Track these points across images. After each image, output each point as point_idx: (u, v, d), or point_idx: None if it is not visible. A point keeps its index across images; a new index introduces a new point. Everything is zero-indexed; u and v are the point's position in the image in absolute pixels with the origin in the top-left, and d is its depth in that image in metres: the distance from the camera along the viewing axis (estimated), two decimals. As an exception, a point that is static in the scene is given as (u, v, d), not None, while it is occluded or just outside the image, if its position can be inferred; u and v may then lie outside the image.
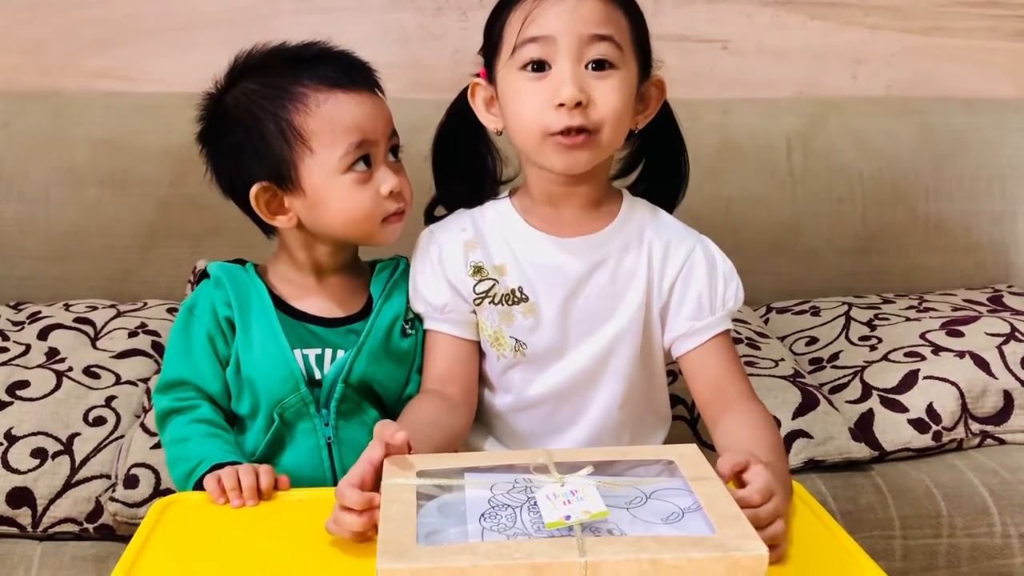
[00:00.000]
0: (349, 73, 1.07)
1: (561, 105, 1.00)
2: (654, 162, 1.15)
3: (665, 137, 1.14)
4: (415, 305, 1.11)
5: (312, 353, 1.07)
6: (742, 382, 1.07)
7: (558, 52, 1.00)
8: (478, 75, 1.10)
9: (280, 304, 1.09)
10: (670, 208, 1.15)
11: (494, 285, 1.08)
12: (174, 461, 1.04)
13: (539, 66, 1.01)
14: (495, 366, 1.10)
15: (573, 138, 1.01)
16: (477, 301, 1.08)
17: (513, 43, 1.02)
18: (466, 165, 1.14)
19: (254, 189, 1.07)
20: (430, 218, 1.17)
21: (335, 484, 1.03)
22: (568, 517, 0.74)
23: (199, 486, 0.98)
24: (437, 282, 1.09)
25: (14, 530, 1.21)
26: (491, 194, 1.15)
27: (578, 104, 0.99)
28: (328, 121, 1.04)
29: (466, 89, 1.11)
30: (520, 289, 1.07)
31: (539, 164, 1.06)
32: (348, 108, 1.05)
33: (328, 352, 1.08)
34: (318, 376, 1.07)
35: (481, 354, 1.12)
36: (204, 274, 1.12)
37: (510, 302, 1.07)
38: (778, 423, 1.30)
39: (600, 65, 1.01)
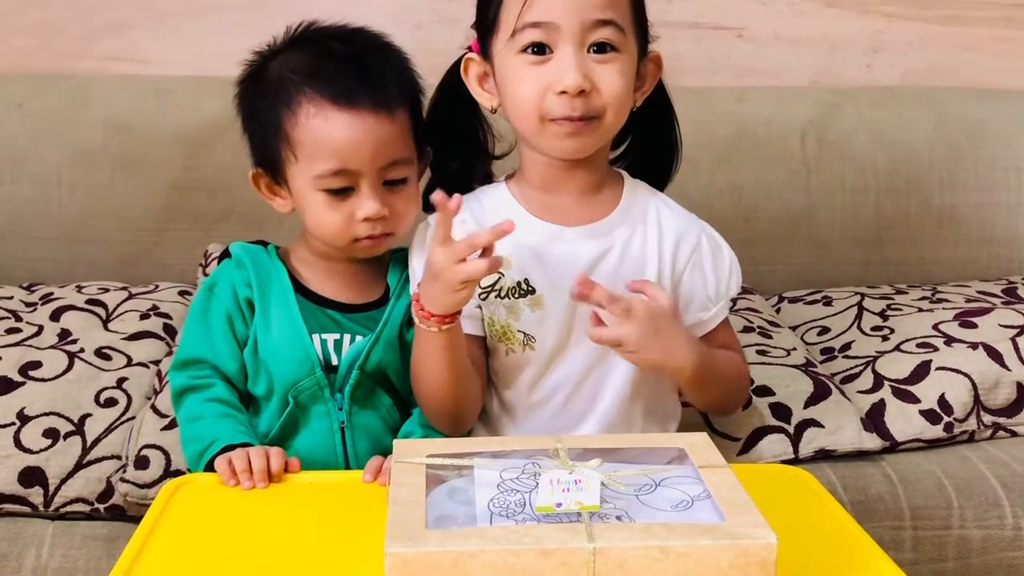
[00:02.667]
0: (352, 89, 1.01)
1: (563, 92, 0.98)
2: (645, 137, 1.13)
3: (657, 112, 1.11)
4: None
5: (331, 338, 1.07)
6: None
7: (560, 37, 0.98)
8: (470, 48, 1.07)
9: (300, 288, 1.09)
10: (662, 184, 1.13)
11: (500, 278, 1.05)
12: (187, 440, 1.05)
13: (540, 49, 0.99)
14: (504, 362, 1.08)
15: (575, 124, 0.99)
16: (483, 295, 1.06)
17: (512, 26, 0.99)
18: (460, 141, 1.11)
19: (251, 172, 1.09)
20: (429, 206, 1.14)
21: (347, 468, 1.04)
22: (559, 505, 0.74)
23: (210, 466, 0.98)
24: None
25: (26, 509, 1.21)
26: (485, 171, 1.13)
27: (581, 92, 0.97)
28: (312, 137, 1.02)
29: (457, 64, 1.08)
30: (526, 281, 1.05)
31: (539, 149, 1.04)
32: (335, 130, 1.01)
33: (347, 337, 1.07)
34: (335, 361, 1.07)
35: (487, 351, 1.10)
36: (226, 254, 1.13)
37: (516, 295, 1.05)
38: (790, 412, 1.30)
39: (602, 48, 0.99)
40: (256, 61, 1.09)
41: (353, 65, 1.03)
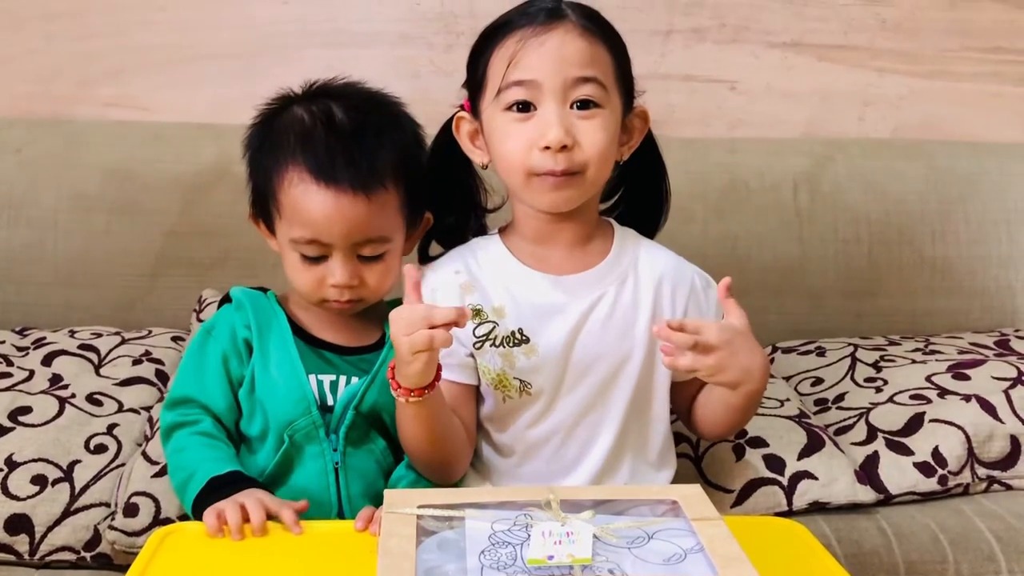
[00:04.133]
0: (335, 166, 1.03)
1: (547, 148, 1.01)
2: (636, 189, 1.16)
3: (647, 165, 1.14)
4: None
5: (327, 379, 1.08)
6: None
7: (543, 95, 1.01)
8: (462, 107, 1.10)
9: (298, 331, 1.11)
10: (651, 234, 1.17)
11: (494, 328, 1.07)
12: (173, 471, 1.06)
13: (524, 106, 1.02)
14: (501, 408, 1.09)
15: (558, 178, 1.02)
16: (477, 345, 1.07)
17: (498, 84, 1.03)
18: (455, 196, 1.15)
19: (248, 212, 1.12)
20: (424, 257, 1.17)
21: (340, 509, 1.05)
22: (551, 557, 0.74)
23: (199, 502, 0.98)
24: None
25: (11, 558, 1.20)
26: (479, 223, 1.15)
27: (563, 147, 1.00)
28: (291, 204, 1.05)
29: (450, 122, 1.12)
30: (520, 331, 1.07)
31: (526, 203, 1.08)
32: (313, 203, 1.04)
33: (342, 379, 1.09)
34: (331, 402, 1.08)
35: (480, 399, 1.11)
36: (226, 298, 1.15)
37: (511, 344, 1.07)
38: (783, 464, 1.30)
39: (585, 105, 1.02)
40: (272, 106, 1.11)
41: (345, 141, 1.05)
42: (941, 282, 1.79)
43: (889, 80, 1.94)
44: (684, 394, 1.14)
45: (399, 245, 1.10)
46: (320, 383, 1.08)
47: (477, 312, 1.07)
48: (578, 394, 1.07)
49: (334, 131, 1.06)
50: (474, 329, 1.07)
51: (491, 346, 1.07)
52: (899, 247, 1.78)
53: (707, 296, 1.12)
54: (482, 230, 1.16)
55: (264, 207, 1.09)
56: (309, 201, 1.04)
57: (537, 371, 1.07)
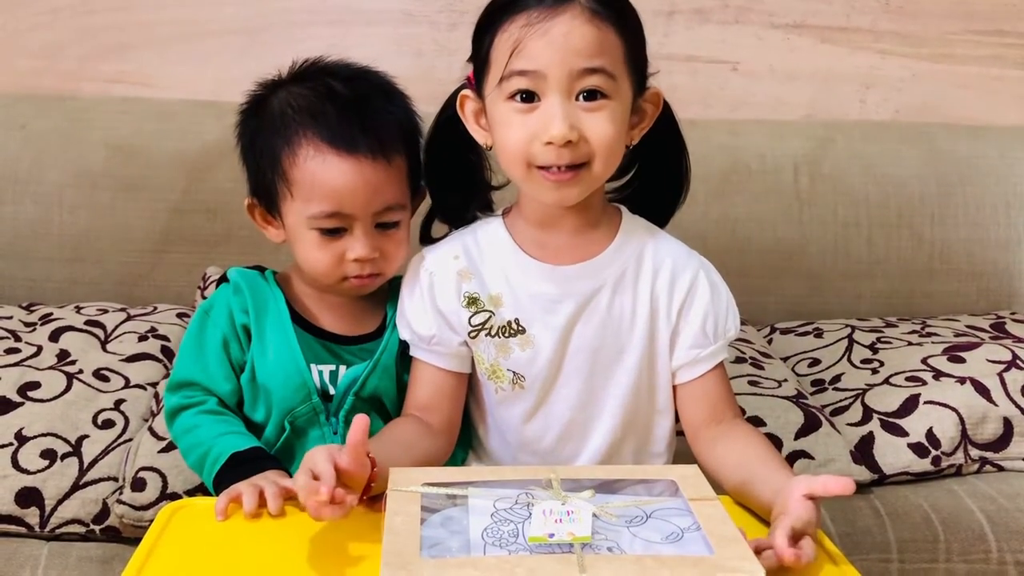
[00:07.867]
0: (352, 135, 1.02)
1: (549, 143, 0.95)
2: (651, 169, 1.10)
3: (663, 144, 1.08)
4: (402, 332, 1.08)
5: (327, 369, 1.08)
6: (735, 405, 1.07)
7: (547, 86, 0.95)
8: (468, 79, 1.05)
9: (296, 317, 1.09)
10: (666, 219, 1.11)
11: (490, 317, 1.04)
12: (187, 450, 1.06)
13: (527, 97, 0.97)
14: (493, 399, 1.07)
15: (562, 174, 0.97)
16: (472, 334, 1.05)
17: (501, 71, 0.97)
18: (459, 174, 1.10)
19: (247, 201, 1.10)
20: (426, 237, 1.13)
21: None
22: (551, 535, 0.75)
23: (220, 475, 0.99)
24: (425, 312, 1.05)
25: (22, 529, 1.22)
26: (484, 201, 1.11)
27: (567, 142, 0.95)
28: (309, 178, 1.02)
29: (453, 97, 1.07)
30: (516, 321, 1.04)
31: (529, 195, 1.04)
32: (332, 173, 1.01)
33: (342, 368, 1.08)
34: (331, 391, 1.08)
35: (480, 385, 1.09)
36: (224, 278, 1.13)
37: (506, 334, 1.04)
38: (780, 443, 1.32)
39: (592, 96, 0.96)
40: (259, 92, 1.09)
41: (355, 110, 1.03)
42: (939, 265, 1.80)
43: (891, 63, 1.94)
44: (692, 410, 1.06)
45: (409, 215, 1.09)
46: (320, 373, 1.07)
47: (473, 300, 1.05)
48: (573, 388, 1.05)
49: (340, 101, 1.04)
50: (470, 318, 1.04)
51: (486, 335, 1.04)
52: (898, 230, 1.79)
53: (712, 297, 1.05)
54: (487, 206, 1.12)
55: (268, 191, 1.06)
56: (329, 173, 1.01)
57: (531, 363, 1.04)
